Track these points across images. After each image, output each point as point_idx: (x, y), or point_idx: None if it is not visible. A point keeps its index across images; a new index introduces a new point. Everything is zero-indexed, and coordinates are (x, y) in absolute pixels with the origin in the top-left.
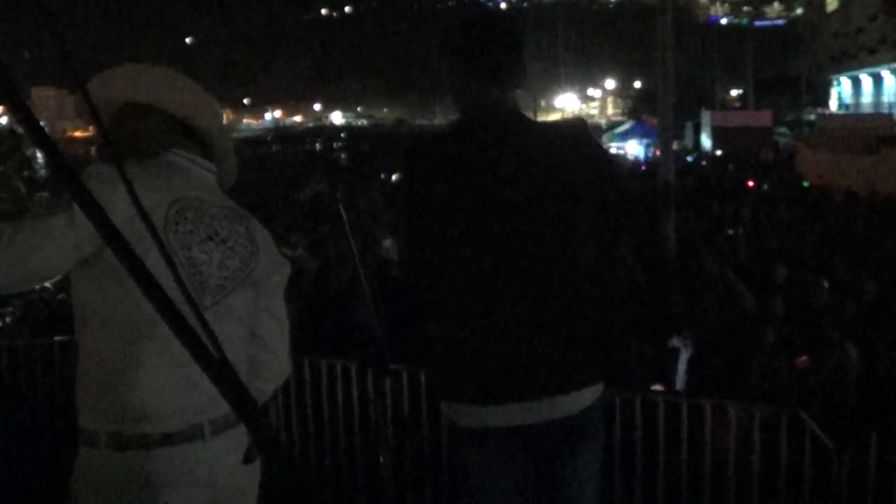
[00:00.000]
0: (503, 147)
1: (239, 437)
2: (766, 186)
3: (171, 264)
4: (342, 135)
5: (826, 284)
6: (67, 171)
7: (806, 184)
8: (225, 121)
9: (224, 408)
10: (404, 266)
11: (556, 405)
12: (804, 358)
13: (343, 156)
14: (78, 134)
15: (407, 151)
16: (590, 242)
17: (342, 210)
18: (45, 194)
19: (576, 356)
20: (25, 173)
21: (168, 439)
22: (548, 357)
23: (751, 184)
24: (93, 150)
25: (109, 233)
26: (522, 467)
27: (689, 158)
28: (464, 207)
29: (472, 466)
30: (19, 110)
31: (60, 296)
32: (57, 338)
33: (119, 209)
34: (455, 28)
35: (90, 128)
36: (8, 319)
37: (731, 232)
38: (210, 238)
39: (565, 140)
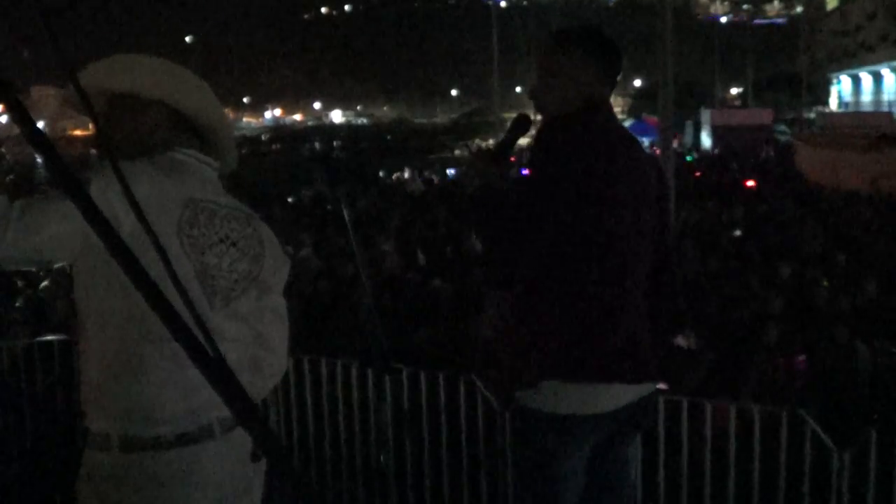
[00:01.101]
0: (632, 141)
1: (247, 434)
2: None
3: (171, 270)
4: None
5: (826, 283)
6: (66, 173)
7: (805, 182)
8: (225, 117)
9: None
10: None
11: (641, 389)
12: (802, 358)
13: (341, 155)
14: (78, 133)
15: (580, 146)
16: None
17: (344, 210)
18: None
19: (660, 345)
20: (9, 178)
21: (180, 439)
22: (649, 344)
23: (751, 183)
24: (91, 151)
25: (107, 234)
26: (593, 449)
27: (688, 157)
28: (624, 200)
29: (552, 453)
30: (18, 112)
31: (57, 297)
32: (57, 337)
33: (131, 213)
34: (593, 30)
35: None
36: (16, 317)
37: (737, 233)
38: (221, 241)
39: (644, 152)
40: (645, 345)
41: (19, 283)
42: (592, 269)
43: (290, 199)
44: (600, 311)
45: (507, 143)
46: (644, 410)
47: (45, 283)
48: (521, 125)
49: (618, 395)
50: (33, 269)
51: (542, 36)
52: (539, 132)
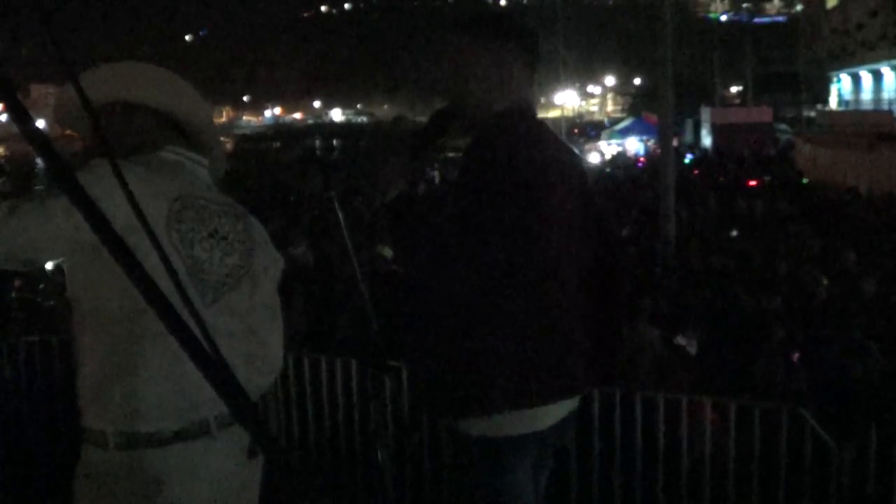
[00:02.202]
0: (566, 148)
1: (243, 431)
2: (765, 182)
3: (169, 267)
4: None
5: (825, 281)
6: (64, 170)
7: (805, 181)
8: (224, 118)
9: None
10: (486, 277)
11: (571, 404)
12: (797, 355)
13: (337, 156)
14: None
15: (512, 155)
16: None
17: (339, 210)
18: (43, 187)
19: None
20: (1, 179)
21: (177, 436)
22: (587, 352)
23: (752, 183)
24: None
25: (105, 231)
26: (538, 462)
27: (688, 157)
28: (559, 212)
29: (508, 476)
30: (15, 109)
31: (56, 295)
32: (56, 336)
33: (121, 207)
34: (509, 16)
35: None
36: (19, 315)
37: (734, 233)
38: (211, 236)
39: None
40: (582, 358)
41: (16, 283)
42: (541, 294)
43: (288, 199)
44: (546, 333)
45: (429, 140)
46: (567, 427)
47: (42, 286)
48: (445, 118)
49: (556, 412)
50: (21, 269)
51: (449, 26)
52: (475, 142)
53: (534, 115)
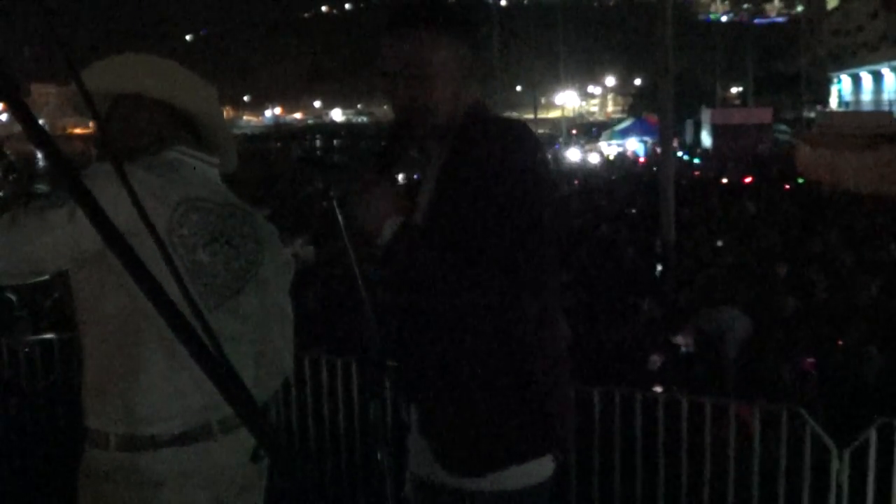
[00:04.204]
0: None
1: (247, 435)
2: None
3: (174, 271)
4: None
5: (825, 283)
6: (69, 171)
7: (801, 180)
8: (224, 117)
9: None
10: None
11: None
12: (811, 360)
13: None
14: (78, 131)
15: (532, 140)
16: None
17: (337, 210)
18: (44, 186)
19: None
20: (11, 176)
21: (178, 439)
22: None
23: (748, 180)
24: (93, 149)
25: (110, 234)
26: None
27: (686, 156)
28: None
29: None
30: (19, 109)
31: (57, 294)
32: (57, 336)
33: (124, 211)
34: (456, 6)
35: (90, 124)
36: (16, 314)
37: (719, 243)
38: (215, 240)
39: None
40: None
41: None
42: (554, 318)
43: (288, 199)
44: (558, 367)
45: (393, 159)
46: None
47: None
48: (403, 129)
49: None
50: (27, 282)
51: (392, 20)
52: (464, 148)
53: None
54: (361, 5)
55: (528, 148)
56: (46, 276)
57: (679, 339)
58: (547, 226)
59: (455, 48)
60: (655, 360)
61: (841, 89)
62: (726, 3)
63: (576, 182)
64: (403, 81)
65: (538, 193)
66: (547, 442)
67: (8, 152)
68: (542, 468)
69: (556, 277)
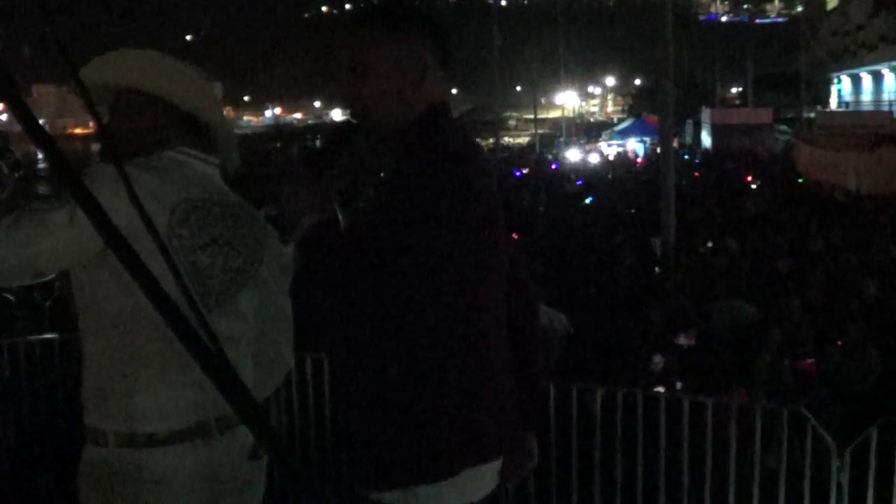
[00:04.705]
0: (481, 157)
1: (246, 433)
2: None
3: (174, 271)
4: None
5: (825, 283)
6: (69, 171)
7: (801, 180)
8: (225, 115)
9: None
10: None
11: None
12: (810, 361)
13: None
14: (78, 131)
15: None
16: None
17: (338, 212)
18: (45, 187)
19: (513, 411)
20: (17, 174)
21: (176, 437)
22: (511, 410)
23: (748, 179)
24: (94, 147)
25: (110, 234)
26: None
27: (687, 157)
28: (495, 238)
29: None
30: (19, 109)
31: (57, 294)
32: (57, 336)
33: (123, 212)
34: (414, 7)
35: (91, 124)
36: (17, 314)
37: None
38: (214, 240)
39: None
40: (511, 410)
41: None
42: (481, 332)
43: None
44: (474, 379)
45: (331, 158)
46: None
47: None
48: (346, 131)
49: (486, 480)
50: (30, 283)
51: (345, 20)
52: (409, 154)
53: (453, 120)
54: (361, 5)
55: (466, 169)
56: (47, 278)
57: (681, 340)
58: (468, 247)
59: (403, 48)
60: (658, 361)
61: (841, 89)
62: (726, 3)
63: (579, 182)
64: (347, 78)
65: (464, 215)
66: (455, 464)
67: (12, 147)
68: (463, 490)
69: (479, 296)
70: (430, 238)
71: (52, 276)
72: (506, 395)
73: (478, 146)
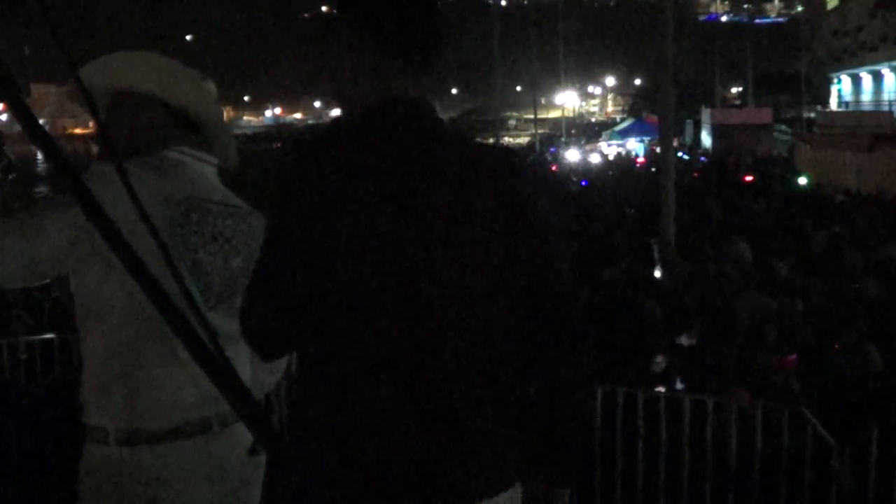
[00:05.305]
0: (418, 155)
1: (245, 429)
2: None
3: (174, 270)
4: None
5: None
6: (69, 172)
7: (805, 181)
8: (225, 117)
9: None
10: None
11: None
12: (793, 357)
13: None
14: (78, 131)
15: (290, 153)
16: (506, 306)
17: None
18: (45, 189)
19: (493, 451)
20: (11, 176)
21: (177, 434)
22: (458, 453)
23: (749, 179)
24: (94, 147)
25: (109, 233)
26: None
27: (686, 157)
28: (356, 233)
29: None
30: (19, 109)
31: (56, 294)
32: (57, 336)
33: (125, 211)
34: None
35: (90, 124)
36: (15, 313)
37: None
38: (214, 239)
39: (492, 166)
40: (453, 453)
41: None
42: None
43: None
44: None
45: None
46: None
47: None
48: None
49: None
50: (31, 285)
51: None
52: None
53: (400, 112)
54: None
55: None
56: (49, 278)
57: (683, 340)
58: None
59: (349, 39)
60: (660, 361)
61: (841, 89)
62: (726, 3)
63: (584, 183)
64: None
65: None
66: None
67: (6, 149)
68: None
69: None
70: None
71: (51, 277)
72: (476, 436)
73: (445, 159)
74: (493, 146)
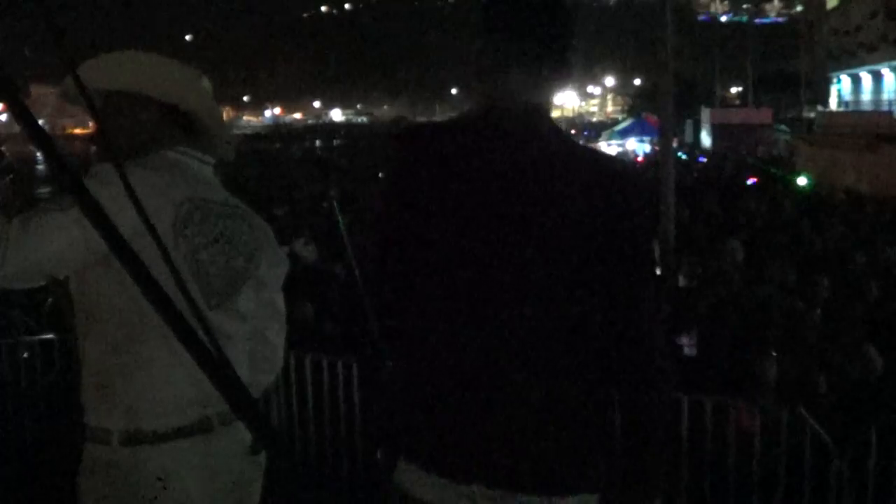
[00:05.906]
0: (521, 157)
1: (245, 428)
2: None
3: (174, 271)
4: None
5: (826, 283)
6: (69, 172)
7: (808, 181)
8: (224, 118)
9: None
10: (368, 277)
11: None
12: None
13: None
14: (77, 131)
15: (395, 138)
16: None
17: (337, 210)
18: (45, 189)
19: (567, 444)
20: (10, 176)
21: (178, 433)
22: (528, 435)
23: (751, 180)
24: (92, 148)
25: (109, 233)
26: None
27: (686, 157)
28: (445, 216)
29: None
30: (19, 109)
31: (55, 294)
32: (57, 336)
33: (127, 213)
34: None
35: (90, 124)
36: (15, 313)
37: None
38: (216, 240)
39: (595, 175)
40: (522, 434)
41: None
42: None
43: (290, 199)
44: (424, 372)
45: None
46: None
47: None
48: None
49: (494, 499)
50: (38, 284)
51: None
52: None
53: (528, 119)
54: (361, 5)
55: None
56: (59, 277)
57: (683, 340)
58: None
59: (494, 43)
60: None
61: (841, 89)
62: (726, 2)
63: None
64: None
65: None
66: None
67: (4, 150)
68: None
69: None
70: None
71: (61, 276)
72: (541, 420)
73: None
74: (608, 156)
